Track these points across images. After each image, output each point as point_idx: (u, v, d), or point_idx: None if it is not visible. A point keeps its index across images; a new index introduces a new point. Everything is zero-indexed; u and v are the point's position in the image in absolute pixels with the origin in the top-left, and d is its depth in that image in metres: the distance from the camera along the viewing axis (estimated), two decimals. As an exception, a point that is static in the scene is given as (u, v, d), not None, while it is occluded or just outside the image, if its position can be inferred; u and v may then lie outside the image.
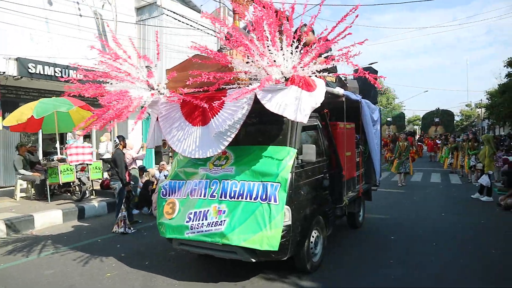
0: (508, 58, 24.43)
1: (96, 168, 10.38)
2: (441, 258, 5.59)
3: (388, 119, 26.09)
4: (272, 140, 4.87)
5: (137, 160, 9.46)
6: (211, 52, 4.40)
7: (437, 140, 23.34)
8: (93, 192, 10.21)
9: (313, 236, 5.03)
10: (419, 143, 23.48)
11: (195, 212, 4.63)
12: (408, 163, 13.13)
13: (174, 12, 15.57)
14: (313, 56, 4.29)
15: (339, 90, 5.62)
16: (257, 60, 4.15)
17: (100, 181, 10.62)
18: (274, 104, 4.03)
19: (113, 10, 13.85)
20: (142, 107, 4.87)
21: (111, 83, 4.81)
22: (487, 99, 33.51)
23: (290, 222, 4.38)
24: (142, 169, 10.23)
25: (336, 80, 5.89)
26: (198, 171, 4.97)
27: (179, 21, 15.77)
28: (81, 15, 13.29)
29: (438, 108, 27.67)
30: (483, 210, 9.00)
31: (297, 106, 4.01)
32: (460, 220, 7.91)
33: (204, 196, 4.72)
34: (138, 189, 9.24)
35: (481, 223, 7.73)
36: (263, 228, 4.20)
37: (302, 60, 4.21)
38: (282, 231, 4.24)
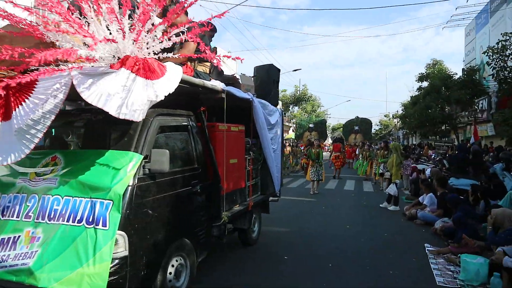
0: (419, 73, 25.87)
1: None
2: (335, 283, 4.80)
3: (310, 125, 26.03)
4: (115, 142, 3.72)
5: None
6: (20, 21, 3.18)
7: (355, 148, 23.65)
8: None
9: (172, 266, 3.93)
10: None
11: (2, 239, 3.33)
12: (321, 170, 12.61)
13: None
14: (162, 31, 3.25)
15: (215, 84, 4.61)
16: (80, 32, 3.02)
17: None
18: (93, 93, 2.88)
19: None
20: None
21: None
22: (402, 110, 35.20)
23: (126, 253, 3.24)
24: None
25: (211, 70, 4.88)
26: (16, 182, 3.66)
27: None
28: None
29: (358, 117, 28.26)
30: (389, 220, 8.55)
31: (124, 98, 2.91)
32: (364, 233, 7.29)
33: (18, 216, 3.43)
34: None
35: (384, 236, 7.17)
36: (84, 262, 3.01)
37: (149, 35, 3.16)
38: (113, 266, 3.10)
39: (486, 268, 4.93)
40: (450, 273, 5.33)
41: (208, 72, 4.74)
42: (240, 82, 6.15)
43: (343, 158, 20.22)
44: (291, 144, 21.76)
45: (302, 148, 20.79)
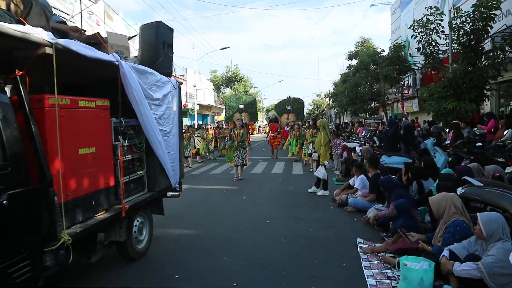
0: (349, 51, 25.38)
1: None
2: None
3: (240, 106, 24.50)
4: None
5: None
6: None
7: (286, 127, 22.68)
8: None
9: None
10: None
11: None
12: (245, 154, 11.18)
13: None
14: None
15: (28, 31, 2.82)
16: None
17: None
18: None
19: None
20: None
21: None
22: (333, 89, 35.00)
23: None
24: None
25: (30, 7, 3.10)
26: None
27: None
28: None
29: (289, 96, 27.15)
30: (316, 209, 7.32)
31: None
32: (286, 230, 5.96)
33: None
34: None
35: (310, 231, 5.88)
36: None
37: None
38: None
39: (431, 275, 3.75)
40: (388, 281, 4.11)
41: (6, 9, 2.94)
42: (108, 42, 4.40)
43: (281, 137, 19.51)
44: (218, 126, 20.13)
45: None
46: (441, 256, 3.81)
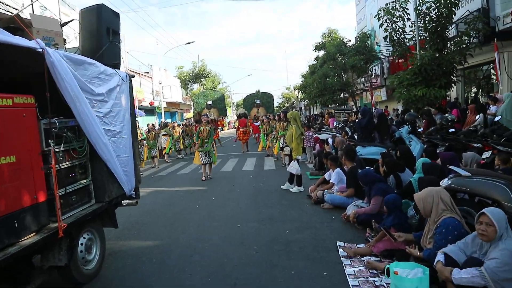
0: (316, 43, 25.01)
1: None
2: None
3: (208, 102, 23.69)
4: None
5: None
6: None
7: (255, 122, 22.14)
8: None
9: None
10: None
11: None
12: (212, 152, 10.48)
13: None
14: None
15: None
16: None
17: None
18: None
19: None
20: None
21: None
22: (301, 81, 34.65)
23: None
24: None
25: None
26: None
27: None
28: None
29: (258, 90, 26.57)
30: (291, 208, 6.75)
31: None
32: (259, 235, 5.34)
33: None
34: None
35: (285, 235, 5.30)
36: None
37: None
38: None
39: (426, 284, 3.24)
40: (376, 291, 3.59)
41: None
42: (33, 27, 3.62)
43: (250, 132, 19.56)
44: (186, 123, 19.30)
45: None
46: (435, 261, 3.30)
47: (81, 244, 3.95)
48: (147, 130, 14.92)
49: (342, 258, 4.30)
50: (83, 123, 3.67)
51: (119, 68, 4.71)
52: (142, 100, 26.98)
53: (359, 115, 10.25)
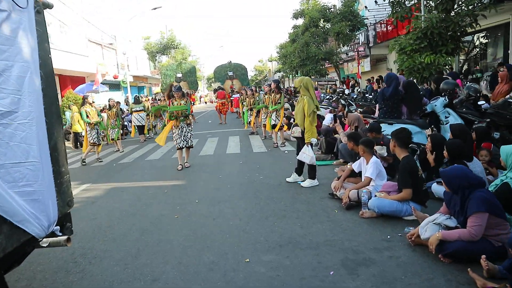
0: (294, 10, 22.45)
1: None
2: None
3: (178, 75, 20.83)
4: None
5: None
6: None
7: (234, 95, 19.69)
8: None
9: None
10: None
11: None
12: (189, 133, 7.99)
13: None
14: None
15: None
16: None
17: None
18: None
19: None
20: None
21: None
22: (277, 52, 32.02)
23: None
24: None
25: None
26: None
27: None
28: None
29: (230, 61, 23.89)
30: (315, 217, 4.46)
31: None
32: (283, 282, 3.09)
33: None
34: None
35: (331, 277, 3.05)
36: None
37: None
38: None
39: None
40: None
41: None
42: None
43: (229, 105, 19.56)
44: (155, 98, 16.58)
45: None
46: None
47: None
48: (107, 107, 12.11)
49: None
50: None
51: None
52: (105, 74, 23.69)
53: (383, 84, 8.00)
